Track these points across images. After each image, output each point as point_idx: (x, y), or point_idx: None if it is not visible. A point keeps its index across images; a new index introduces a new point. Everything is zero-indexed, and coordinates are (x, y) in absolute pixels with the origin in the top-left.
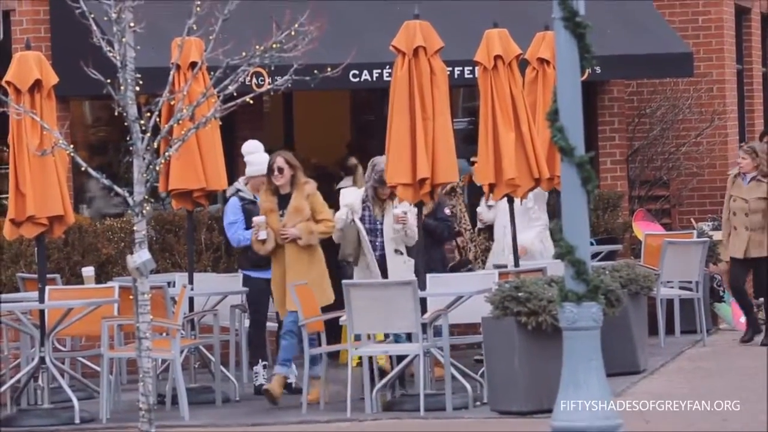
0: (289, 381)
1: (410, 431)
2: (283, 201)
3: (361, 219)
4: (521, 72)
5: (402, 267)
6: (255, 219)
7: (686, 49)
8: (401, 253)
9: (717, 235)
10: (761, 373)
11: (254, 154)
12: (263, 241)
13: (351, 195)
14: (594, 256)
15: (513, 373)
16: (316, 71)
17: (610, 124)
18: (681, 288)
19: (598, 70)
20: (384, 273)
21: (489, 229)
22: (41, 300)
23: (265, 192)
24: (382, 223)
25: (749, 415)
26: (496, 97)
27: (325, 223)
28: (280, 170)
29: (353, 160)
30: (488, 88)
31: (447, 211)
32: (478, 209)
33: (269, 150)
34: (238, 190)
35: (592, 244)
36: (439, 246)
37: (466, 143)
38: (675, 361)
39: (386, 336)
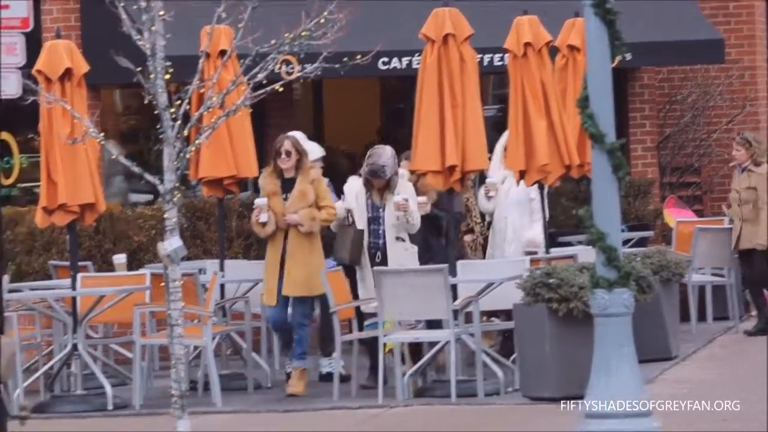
0: (326, 371)
1: (441, 417)
2: (287, 185)
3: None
4: (551, 59)
5: (403, 254)
6: (257, 201)
7: (717, 36)
8: (402, 240)
9: None
10: None
11: (307, 143)
12: (263, 224)
13: (355, 183)
14: (625, 242)
15: (544, 359)
16: (345, 59)
17: (640, 110)
18: (713, 274)
19: (628, 56)
20: (385, 260)
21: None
22: (73, 287)
23: (270, 175)
24: (383, 211)
25: None
26: (526, 85)
27: (327, 210)
28: (288, 153)
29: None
30: (518, 75)
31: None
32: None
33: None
34: None
35: (623, 230)
36: (440, 236)
37: (496, 131)
38: (707, 347)
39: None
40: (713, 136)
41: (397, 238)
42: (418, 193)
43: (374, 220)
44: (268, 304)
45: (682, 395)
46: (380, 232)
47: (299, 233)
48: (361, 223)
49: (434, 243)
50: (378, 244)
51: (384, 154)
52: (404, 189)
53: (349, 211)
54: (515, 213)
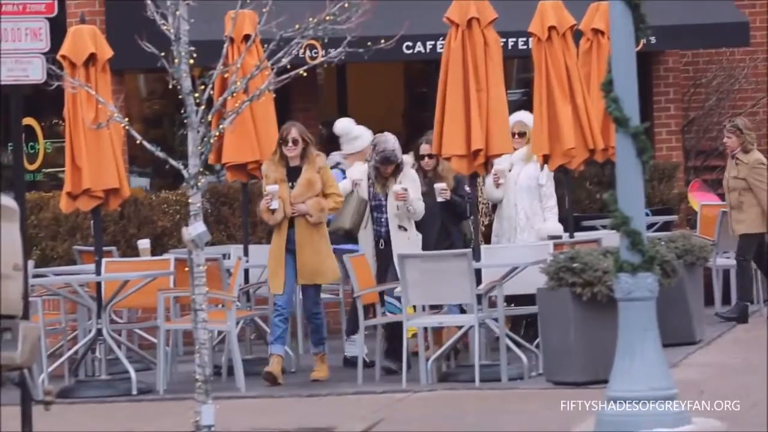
0: (349, 356)
1: (465, 401)
2: (292, 173)
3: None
4: (575, 43)
5: (406, 243)
6: (268, 187)
7: (742, 19)
8: (405, 229)
9: None
10: None
11: (354, 129)
12: (272, 211)
13: (358, 169)
14: (649, 227)
15: (568, 343)
16: (369, 43)
17: (665, 94)
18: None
19: (653, 40)
20: (388, 248)
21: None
22: (98, 272)
23: (276, 162)
24: (386, 199)
25: None
26: (551, 69)
27: (334, 198)
28: (294, 142)
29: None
30: (542, 59)
31: (467, 188)
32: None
33: (326, 122)
34: (338, 163)
35: (647, 215)
36: (458, 222)
37: None
38: (731, 331)
39: (437, 307)
40: None
41: (400, 227)
42: (438, 178)
43: (377, 208)
44: (275, 292)
45: (706, 379)
46: (383, 220)
47: (307, 223)
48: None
49: (453, 230)
50: (381, 232)
51: (390, 139)
52: (407, 177)
53: (355, 184)
54: (526, 199)
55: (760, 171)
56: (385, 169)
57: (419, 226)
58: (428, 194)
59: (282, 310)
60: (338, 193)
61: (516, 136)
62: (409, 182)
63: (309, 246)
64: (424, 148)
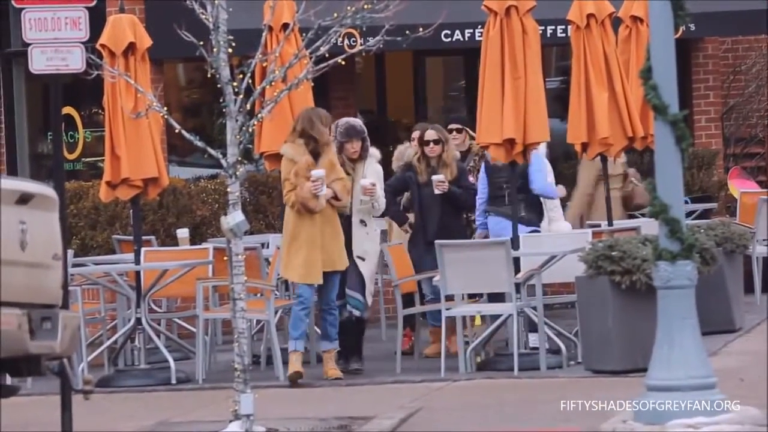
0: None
1: (504, 390)
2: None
3: None
4: (614, 30)
5: (365, 238)
6: (314, 172)
7: None
8: (365, 224)
9: None
10: None
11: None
12: (317, 197)
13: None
14: (689, 214)
15: (607, 332)
16: (407, 32)
17: (704, 81)
18: None
19: (692, 27)
20: (349, 241)
21: None
22: (137, 261)
23: (300, 145)
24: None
25: None
26: (589, 56)
27: (344, 181)
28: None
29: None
30: (581, 47)
31: (471, 178)
32: None
33: (364, 111)
34: None
35: (686, 202)
36: (458, 214)
37: (558, 103)
38: None
39: (476, 296)
40: None
41: (361, 221)
42: (443, 166)
43: None
44: (314, 281)
45: (746, 368)
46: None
47: (330, 207)
48: None
49: (453, 223)
50: (342, 222)
51: (350, 119)
52: (372, 171)
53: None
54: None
55: None
56: (351, 145)
57: (421, 215)
58: (430, 183)
59: (308, 302)
60: (344, 177)
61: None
62: (375, 176)
63: (331, 231)
64: (430, 134)
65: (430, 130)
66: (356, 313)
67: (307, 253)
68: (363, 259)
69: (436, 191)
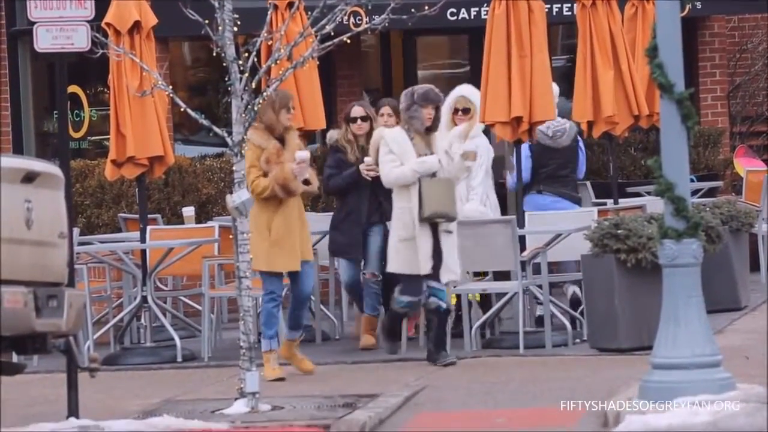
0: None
1: (510, 368)
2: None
3: None
4: (620, 8)
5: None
6: (299, 154)
7: None
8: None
9: None
10: None
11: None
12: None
13: (395, 133)
14: (694, 193)
15: (612, 310)
16: (413, 10)
17: (710, 60)
18: None
19: (698, 5)
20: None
21: None
22: (143, 240)
23: (263, 130)
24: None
25: None
26: (595, 35)
27: (311, 168)
28: (293, 109)
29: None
30: (587, 25)
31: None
32: None
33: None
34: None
35: (692, 180)
36: (389, 194)
37: (564, 81)
38: None
39: (480, 274)
40: None
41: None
42: (369, 147)
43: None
44: (293, 269)
45: (751, 346)
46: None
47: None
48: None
49: (384, 201)
50: None
51: (425, 86)
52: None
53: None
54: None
55: None
56: (427, 111)
57: (346, 197)
58: (360, 162)
59: (279, 297)
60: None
61: (459, 113)
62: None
63: (302, 218)
64: (357, 111)
65: (356, 107)
66: (443, 305)
67: (285, 239)
68: (450, 232)
69: (365, 175)
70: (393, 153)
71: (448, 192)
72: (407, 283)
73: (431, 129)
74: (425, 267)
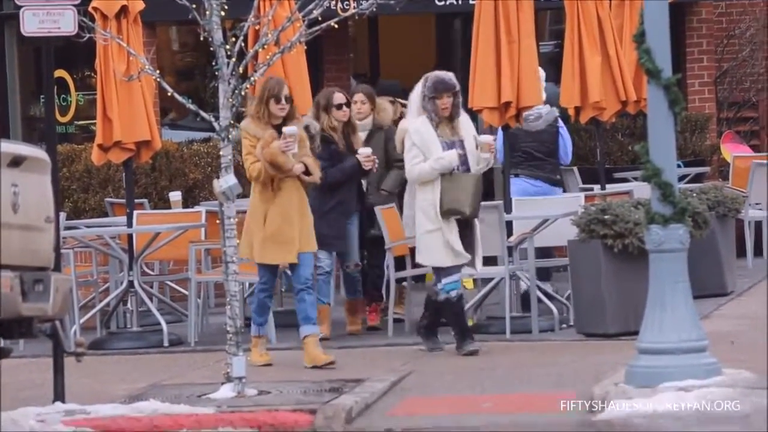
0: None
1: (496, 353)
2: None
3: None
4: None
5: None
6: (286, 129)
7: None
8: None
9: None
10: None
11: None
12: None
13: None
14: (681, 178)
15: (599, 295)
16: None
17: (698, 45)
18: None
19: None
20: None
21: None
22: (129, 225)
23: (258, 119)
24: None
25: None
26: (582, 20)
27: (313, 158)
28: (287, 100)
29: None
30: (574, 10)
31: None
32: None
33: (357, 75)
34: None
35: (679, 166)
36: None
37: (552, 67)
38: (763, 282)
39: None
40: None
41: None
42: (351, 134)
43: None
44: (291, 261)
45: (737, 331)
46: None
47: (298, 185)
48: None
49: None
50: None
51: (440, 72)
52: (470, 127)
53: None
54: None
55: None
56: (441, 102)
57: (338, 187)
58: (349, 150)
59: (271, 288)
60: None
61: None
62: (472, 130)
63: (303, 211)
64: (340, 97)
65: (337, 93)
66: (453, 294)
67: (279, 235)
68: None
69: (366, 167)
70: (416, 146)
71: (468, 188)
72: (442, 270)
73: (453, 116)
74: (463, 256)
